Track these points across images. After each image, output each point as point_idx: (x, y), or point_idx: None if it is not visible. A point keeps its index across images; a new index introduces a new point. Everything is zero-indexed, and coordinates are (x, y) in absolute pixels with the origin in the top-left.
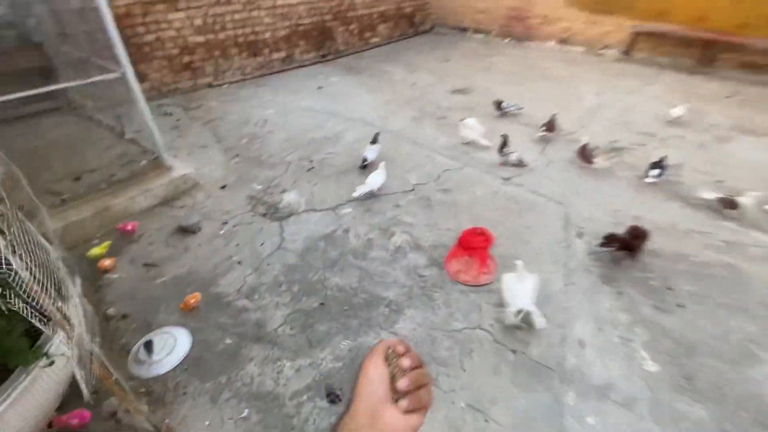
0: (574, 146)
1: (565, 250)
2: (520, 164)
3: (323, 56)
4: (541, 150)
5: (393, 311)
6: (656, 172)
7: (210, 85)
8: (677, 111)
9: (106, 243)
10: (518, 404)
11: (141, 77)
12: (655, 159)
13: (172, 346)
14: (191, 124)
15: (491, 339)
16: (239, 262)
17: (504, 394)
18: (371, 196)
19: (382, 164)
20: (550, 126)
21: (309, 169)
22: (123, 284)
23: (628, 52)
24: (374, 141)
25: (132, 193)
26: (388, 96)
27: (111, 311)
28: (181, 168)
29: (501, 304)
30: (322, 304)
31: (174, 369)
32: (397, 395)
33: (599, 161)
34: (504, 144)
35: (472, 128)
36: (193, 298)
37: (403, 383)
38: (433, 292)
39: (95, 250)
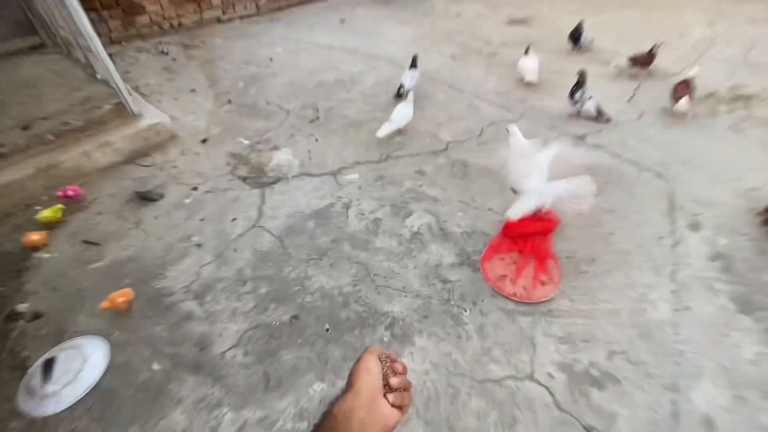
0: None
1: (672, 250)
2: (599, 116)
3: None
4: (629, 97)
5: (396, 337)
6: None
7: (219, 20)
8: None
9: (59, 206)
10: None
11: (136, 9)
12: None
13: (78, 369)
14: (187, 64)
15: (551, 402)
16: (198, 245)
17: None
18: (397, 133)
19: (410, 95)
20: (644, 60)
21: (312, 121)
22: (51, 268)
23: None
24: (413, 65)
25: (86, 147)
26: (425, 29)
27: (22, 307)
28: (153, 116)
29: (568, 340)
30: (295, 317)
31: (72, 407)
32: (386, 390)
33: (686, 107)
34: (579, 84)
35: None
36: (122, 295)
37: (395, 381)
38: (461, 309)
39: (46, 213)
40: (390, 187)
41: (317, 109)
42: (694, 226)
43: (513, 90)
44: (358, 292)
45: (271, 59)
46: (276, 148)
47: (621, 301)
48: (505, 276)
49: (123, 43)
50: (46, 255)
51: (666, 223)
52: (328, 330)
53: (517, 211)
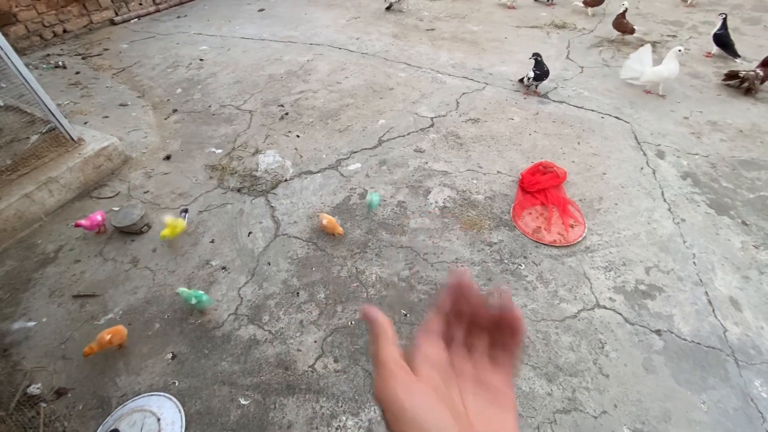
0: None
1: (652, 177)
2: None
3: None
4: (564, 54)
5: None
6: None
7: (112, 22)
8: None
9: None
10: (699, 415)
11: (5, 19)
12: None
13: (155, 431)
14: (97, 76)
15: (621, 320)
16: (224, 268)
17: (674, 402)
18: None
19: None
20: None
21: (282, 118)
22: (46, 337)
23: None
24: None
25: (25, 189)
26: (352, 12)
27: (34, 389)
28: (96, 140)
29: (611, 267)
30: None
31: None
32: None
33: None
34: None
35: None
36: (111, 333)
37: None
38: (516, 265)
39: None
40: (397, 170)
41: (282, 105)
42: (660, 155)
43: (466, 61)
44: (417, 274)
45: (201, 59)
46: (258, 151)
47: (636, 226)
48: (539, 227)
49: None
50: (30, 323)
51: (639, 156)
52: (406, 315)
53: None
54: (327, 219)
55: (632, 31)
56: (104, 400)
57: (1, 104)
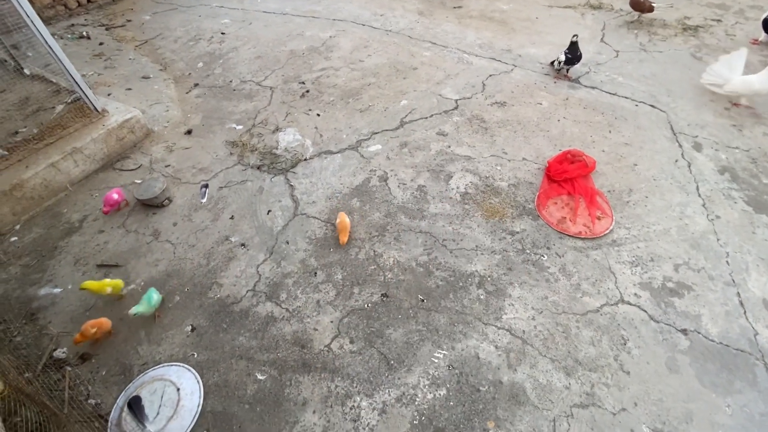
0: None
1: (687, 170)
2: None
3: None
4: (598, 37)
5: (491, 293)
6: None
7: None
8: None
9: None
10: (723, 418)
11: None
12: None
13: (175, 400)
14: (120, 47)
15: (646, 317)
16: (243, 245)
17: (697, 403)
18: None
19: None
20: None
21: (303, 95)
22: (70, 303)
23: None
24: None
25: (51, 158)
26: None
27: (59, 353)
28: (120, 111)
29: (638, 262)
30: (384, 295)
31: None
32: None
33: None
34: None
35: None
36: (94, 326)
37: None
38: (538, 255)
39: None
40: (418, 153)
41: (303, 82)
42: (697, 147)
43: (494, 42)
44: (435, 260)
45: (222, 33)
46: (278, 129)
47: (666, 221)
48: (564, 218)
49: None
50: (56, 290)
51: (675, 148)
52: (423, 301)
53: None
54: (342, 219)
55: (650, 9)
56: (126, 367)
57: (28, 73)
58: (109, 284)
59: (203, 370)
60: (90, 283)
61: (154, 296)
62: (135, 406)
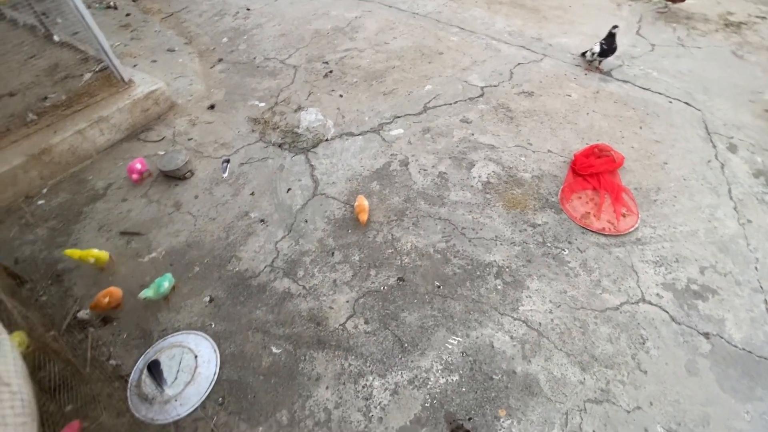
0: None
1: (720, 172)
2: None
3: None
4: (634, 29)
5: (509, 284)
6: None
7: None
8: None
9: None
10: (741, 424)
11: None
12: None
13: (193, 366)
14: (146, 19)
15: (667, 318)
16: (262, 221)
17: (715, 407)
18: None
19: None
20: None
21: (326, 75)
22: (92, 267)
23: None
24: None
25: (78, 125)
26: None
27: (83, 314)
28: (145, 83)
29: (662, 262)
30: (401, 279)
31: (202, 404)
32: None
33: None
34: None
35: None
36: (106, 295)
37: None
38: (559, 249)
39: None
40: (441, 139)
41: (326, 62)
42: (732, 148)
43: (524, 29)
44: (453, 247)
45: (248, 9)
46: (301, 108)
47: (694, 222)
48: (588, 213)
49: None
50: None
51: (708, 148)
52: (439, 287)
53: None
54: (360, 202)
55: None
56: (146, 332)
57: (57, 40)
58: (93, 255)
59: (220, 340)
60: (74, 251)
61: (165, 284)
62: (154, 369)
